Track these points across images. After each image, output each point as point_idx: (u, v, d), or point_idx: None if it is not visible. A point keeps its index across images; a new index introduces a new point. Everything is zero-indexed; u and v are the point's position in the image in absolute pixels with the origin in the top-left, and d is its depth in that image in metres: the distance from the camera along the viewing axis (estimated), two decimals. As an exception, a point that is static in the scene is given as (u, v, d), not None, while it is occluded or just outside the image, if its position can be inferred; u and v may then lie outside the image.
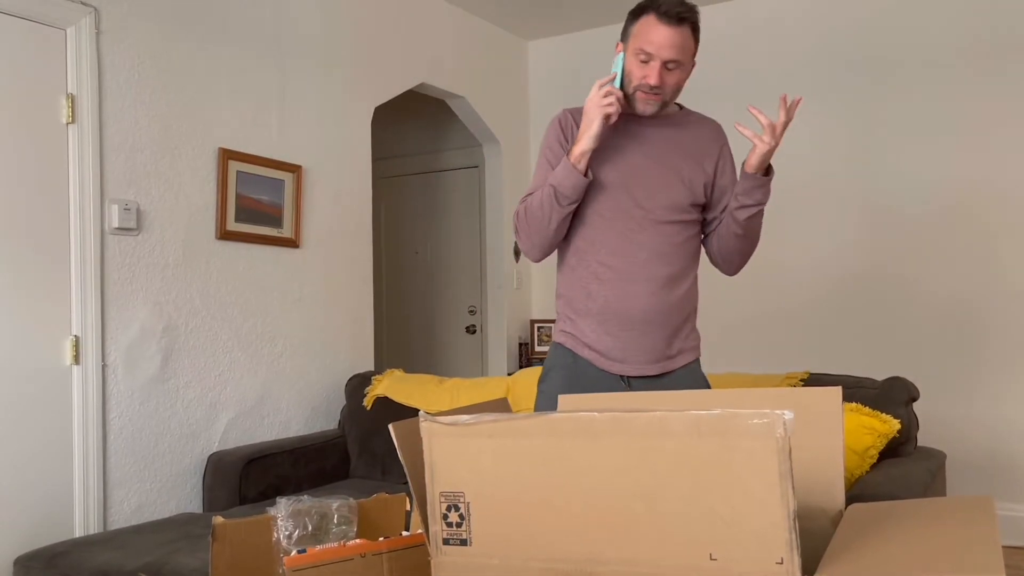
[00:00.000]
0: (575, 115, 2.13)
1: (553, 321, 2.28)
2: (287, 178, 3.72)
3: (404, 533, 1.45)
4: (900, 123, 4.25)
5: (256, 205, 3.59)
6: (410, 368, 4.20)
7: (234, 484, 3.27)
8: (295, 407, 3.78)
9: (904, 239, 4.23)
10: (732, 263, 2.20)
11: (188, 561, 2.46)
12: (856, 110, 4.35)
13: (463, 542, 1.18)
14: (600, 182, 2.08)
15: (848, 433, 2.32)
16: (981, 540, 1.07)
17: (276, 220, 3.69)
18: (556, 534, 1.12)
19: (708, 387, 2.18)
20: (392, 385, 3.77)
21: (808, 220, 4.44)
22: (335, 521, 1.59)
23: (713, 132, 2.19)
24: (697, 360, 2.19)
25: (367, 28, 4.16)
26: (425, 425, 1.19)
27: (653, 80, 2.00)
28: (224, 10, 3.49)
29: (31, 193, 2.86)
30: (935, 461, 2.90)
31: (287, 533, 1.55)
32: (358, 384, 3.85)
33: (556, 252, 2.22)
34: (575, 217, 2.12)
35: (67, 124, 2.96)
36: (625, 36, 2.05)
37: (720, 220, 2.15)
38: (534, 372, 3.35)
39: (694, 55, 2.06)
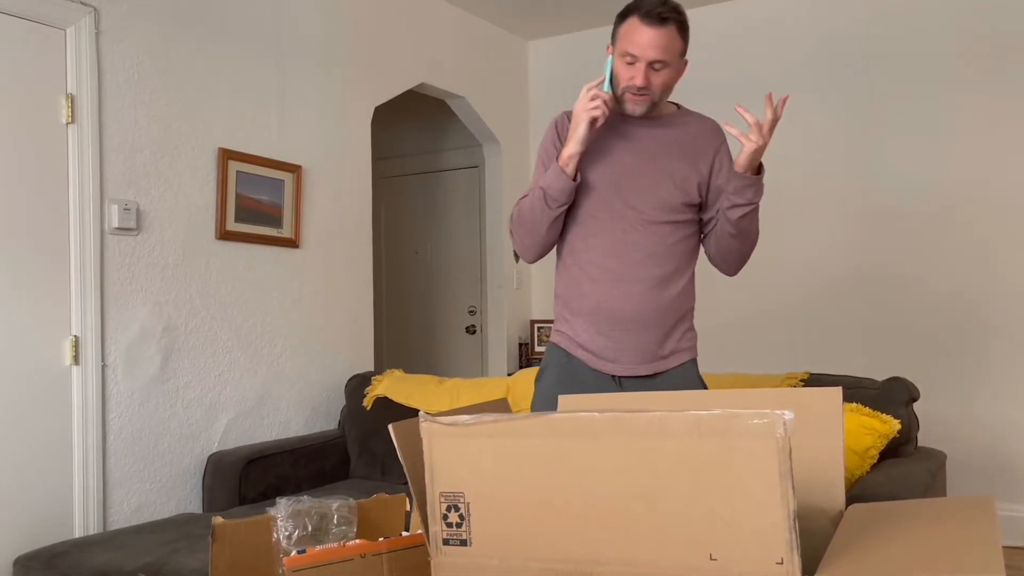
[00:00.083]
0: (571, 117, 2.14)
1: (553, 321, 2.29)
2: (287, 178, 3.72)
3: (404, 533, 1.45)
4: (900, 123, 4.25)
5: (256, 205, 3.59)
6: (410, 368, 4.20)
7: (234, 484, 3.27)
8: (295, 407, 3.78)
9: (904, 239, 4.23)
10: (730, 263, 2.19)
11: (188, 561, 2.46)
12: (856, 110, 4.35)
13: (463, 542, 1.17)
14: (593, 183, 2.11)
15: (848, 433, 2.32)
16: (981, 540, 1.06)
17: (276, 220, 3.69)
18: (556, 534, 1.12)
19: (703, 388, 2.17)
20: (392, 385, 3.77)
21: (808, 220, 4.45)
22: (335, 521, 1.59)
23: (710, 131, 2.18)
24: (692, 361, 2.19)
25: (367, 28, 4.16)
26: (425, 425, 1.19)
27: (639, 81, 2.02)
28: (224, 10, 3.49)
29: (31, 193, 2.86)
30: (935, 461, 2.89)
31: (287, 533, 1.55)
32: (358, 384, 3.84)
33: (555, 253, 2.24)
34: (570, 218, 2.14)
35: (67, 124, 2.96)
36: (613, 39, 2.07)
37: (717, 220, 2.15)
38: (534, 372, 3.34)
39: (682, 54, 2.07)
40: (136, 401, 3.14)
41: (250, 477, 3.31)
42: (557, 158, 2.07)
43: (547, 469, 1.12)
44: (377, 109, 4.24)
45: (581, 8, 4.75)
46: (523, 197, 2.17)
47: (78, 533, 2.94)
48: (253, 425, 3.57)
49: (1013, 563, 3.39)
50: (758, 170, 2.02)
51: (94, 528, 2.98)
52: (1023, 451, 3.99)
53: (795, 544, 0.99)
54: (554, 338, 2.22)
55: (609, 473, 1.09)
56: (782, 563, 1.00)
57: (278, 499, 1.61)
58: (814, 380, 3.09)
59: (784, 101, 1.94)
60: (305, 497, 1.62)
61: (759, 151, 1.95)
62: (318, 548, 1.34)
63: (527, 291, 5.30)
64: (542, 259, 2.28)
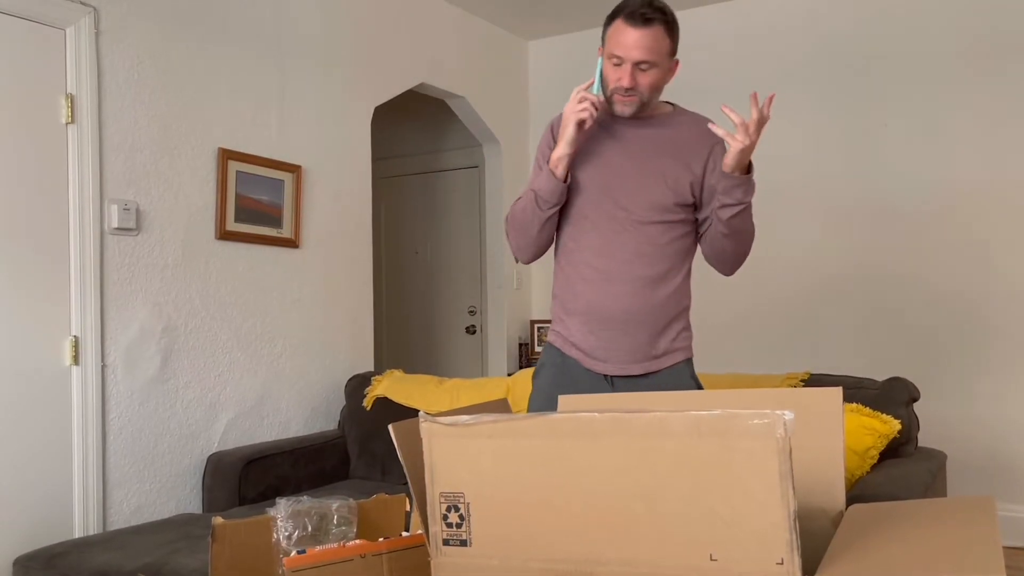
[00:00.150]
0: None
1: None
2: (287, 178, 3.72)
3: (404, 534, 1.45)
4: (900, 123, 4.25)
5: (256, 205, 3.59)
6: (410, 368, 4.20)
7: (234, 485, 3.27)
8: (295, 407, 3.77)
9: (904, 239, 4.23)
10: (726, 263, 2.19)
11: (188, 562, 2.46)
12: (856, 110, 4.35)
13: (463, 543, 1.17)
14: (584, 185, 2.13)
15: (848, 434, 2.32)
16: (982, 540, 1.06)
17: (276, 220, 3.68)
18: (556, 534, 1.12)
19: (696, 388, 2.17)
20: (392, 385, 3.76)
21: (809, 220, 4.44)
22: (335, 522, 1.59)
23: (704, 131, 2.18)
24: (686, 361, 2.19)
25: (367, 28, 4.16)
26: (425, 426, 1.19)
27: (626, 82, 2.03)
28: (224, 10, 3.49)
29: (30, 193, 2.86)
30: (936, 461, 2.89)
31: (287, 534, 1.55)
32: (358, 384, 3.84)
33: (552, 253, 2.26)
34: (563, 218, 2.17)
35: (66, 124, 2.96)
36: (602, 41, 2.09)
37: (711, 220, 2.15)
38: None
39: (672, 54, 2.07)
40: (136, 401, 3.14)
41: (250, 477, 3.30)
42: (548, 160, 2.10)
43: (547, 469, 1.12)
44: (377, 109, 4.24)
45: (581, 8, 4.75)
46: (519, 199, 2.21)
47: (78, 533, 2.94)
48: (253, 425, 3.57)
49: (1013, 563, 3.38)
50: (748, 170, 2.02)
51: (94, 528, 2.98)
52: (1023, 451, 3.99)
53: (795, 544, 0.99)
54: (550, 337, 2.25)
55: (609, 473, 1.09)
56: (782, 563, 1.00)
57: (278, 499, 1.61)
58: (814, 380, 3.09)
59: (770, 100, 1.94)
60: (305, 497, 1.62)
61: (746, 151, 1.95)
62: (318, 548, 1.34)
63: (527, 291, 5.30)
64: (542, 259, 2.29)
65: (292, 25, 3.78)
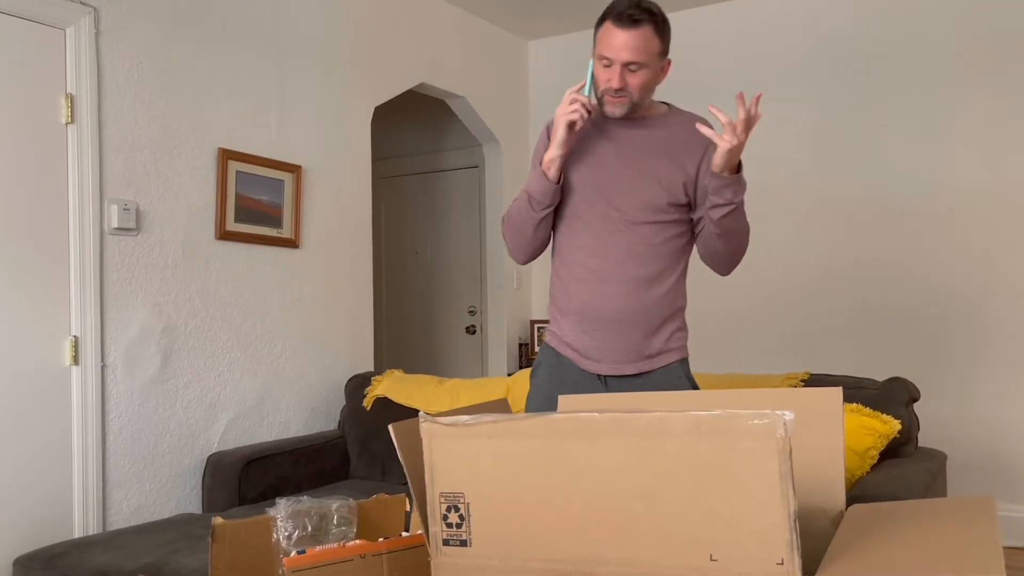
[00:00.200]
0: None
1: (550, 321, 2.31)
2: (287, 178, 3.72)
3: (404, 534, 1.45)
4: (900, 123, 4.25)
5: (256, 205, 3.59)
6: (410, 368, 4.20)
7: (233, 485, 3.27)
8: (295, 407, 3.77)
9: (905, 239, 4.23)
10: (720, 263, 2.19)
11: (188, 562, 2.46)
12: (856, 110, 4.35)
13: (463, 543, 1.17)
14: (578, 186, 2.14)
15: (849, 434, 2.32)
16: (982, 541, 1.06)
17: (276, 220, 3.68)
18: (556, 534, 1.12)
19: (691, 388, 2.18)
20: (392, 386, 3.76)
21: (809, 220, 4.44)
22: (335, 522, 1.59)
23: (699, 131, 2.19)
24: (681, 361, 2.19)
25: (367, 28, 4.16)
26: (425, 426, 1.19)
27: (615, 83, 2.04)
28: (224, 10, 3.49)
29: (30, 193, 2.86)
30: (936, 462, 2.89)
31: (287, 534, 1.55)
32: (358, 384, 3.84)
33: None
34: (558, 219, 2.19)
35: (66, 124, 2.96)
36: (593, 43, 2.10)
37: (704, 220, 2.16)
38: (534, 372, 3.35)
39: (662, 54, 2.08)
40: (136, 401, 3.14)
41: (250, 477, 3.30)
42: (540, 161, 2.12)
43: (547, 469, 1.12)
44: (377, 109, 4.24)
45: (581, 8, 4.75)
46: (515, 200, 2.23)
47: (78, 533, 2.94)
48: (253, 425, 3.57)
49: (1013, 563, 3.38)
50: (738, 169, 2.02)
51: (94, 528, 2.98)
52: (1023, 451, 3.98)
53: (795, 544, 0.99)
54: (546, 337, 2.27)
55: (609, 473, 1.09)
56: (782, 564, 0.99)
57: (278, 499, 1.61)
58: (814, 380, 3.09)
59: (757, 99, 1.94)
60: (305, 497, 1.62)
61: (734, 150, 1.95)
62: (318, 548, 1.34)
63: (527, 291, 5.30)
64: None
65: (292, 25, 3.78)
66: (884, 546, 1.09)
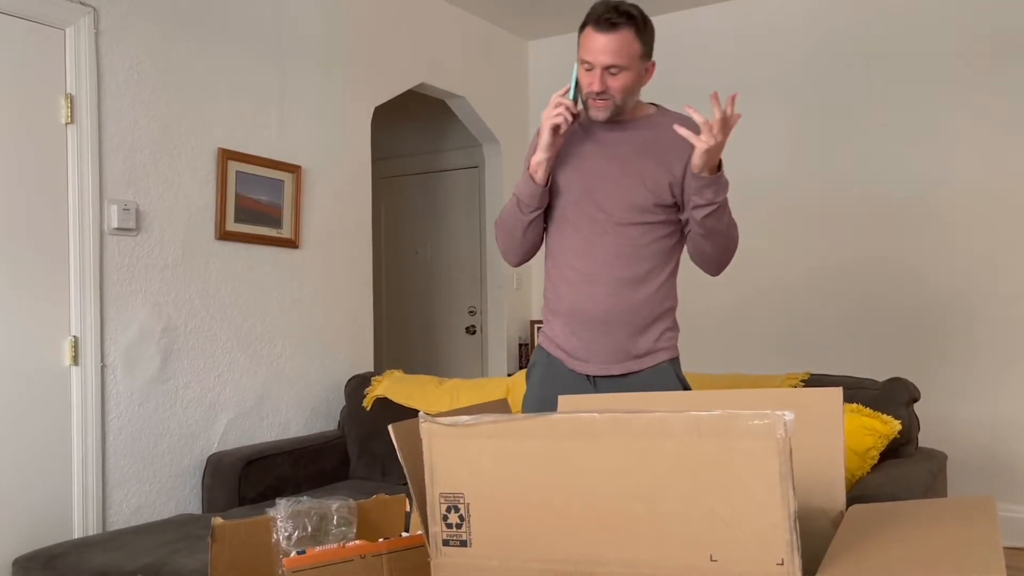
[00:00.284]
0: None
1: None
2: (286, 178, 3.72)
3: (404, 534, 1.45)
4: (900, 123, 4.25)
5: (255, 205, 3.59)
6: (410, 369, 4.20)
7: (233, 485, 3.27)
8: (295, 408, 3.77)
9: (905, 239, 4.23)
10: (708, 263, 2.20)
11: (187, 562, 2.46)
12: (856, 110, 4.35)
13: (463, 543, 1.17)
14: (566, 188, 2.18)
15: (849, 434, 2.32)
16: (982, 541, 1.06)
17: (275, 220, 3.68)
18: (556, 535, 1.12)
19: (682, 388, 2.19)
20: (392, 386, 3.76)
21: (809, 220, 4.44)
22: (335, 522, 1.59)
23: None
24: (670, 361, 2.20)
25: (367, 28, 4.16)
26: (425, 426, 1.19)
27: (596, 87, 2.07)
28: (224, 10, 3.49)
29: (30, 193, 2.86)
30: (936, 462, 2.89)
31: (287, 534, 1.55)
32: (358, 385, 3.84)
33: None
34: (549, 221, 2.23)
35: (66, 124, 2.95)
36: (577, 48, 2.12)
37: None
38: (534, 372, 3.34)
39: (643, 57, 2.09)
40: (135, 401, 3.14)
41: (250, 478, 3.30)
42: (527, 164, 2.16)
43: (547, 470, 1.12)
44: (377, 109, 4.24)
45: (581, 8, 4.69)
46: (507, 203, 2.26)
47: (77, 534, 2.94)
48: (253, 426, 3.57)
49: (1014, 564, 3.38)
50: (718, 169, 2.03)
51: (93, 529, 2.98)
52: (1023, 451, 3.98)
53: (796, 545, 0.99)
54: (539, 338, 2.31)
55: (609, 474, 1.09)
56: (782, 564, 0.99)
57: (278, 500, 1.61)
58: (814, 380, 3.09)
59: (732, 99, 1.95)
60: (305, 498, 1.62)
61: (712, 150, 1.96)
62: (318, 549, 1.34)
63: (527, 291, 5.30)
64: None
65: (292, 25, 3.78)
66: (884, 546, 1.08)
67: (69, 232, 2.95)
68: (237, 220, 3.50)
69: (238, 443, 3.48)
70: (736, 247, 2.19)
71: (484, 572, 1.16)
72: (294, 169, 3.74)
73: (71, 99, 2.95)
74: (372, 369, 4.15)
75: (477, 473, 1.16)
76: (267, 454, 3.41)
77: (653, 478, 1.06)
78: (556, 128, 2.08)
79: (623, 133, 2.16)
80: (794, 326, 4.47)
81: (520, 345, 5.18)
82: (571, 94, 2.09)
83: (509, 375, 4.30)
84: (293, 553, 1.34)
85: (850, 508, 1.30)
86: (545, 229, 2.25)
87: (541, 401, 2.20)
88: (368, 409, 3.73)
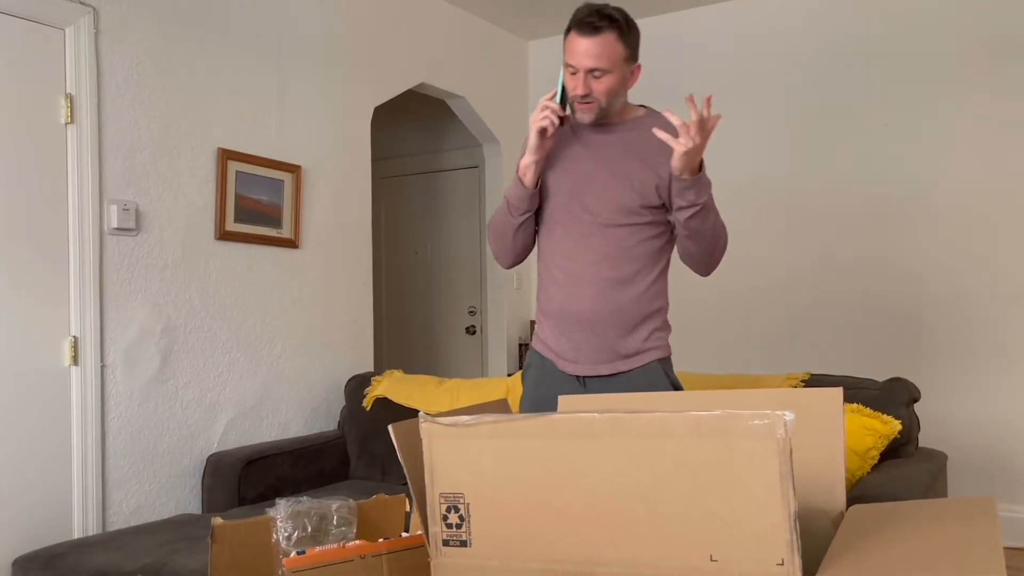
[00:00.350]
0: None
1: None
2: (286, 178, 3.72)
3: (404, 534, 1.45)
4: (900, 123, 4.25)
5: (255, 205, 3.59)
6: (410, 369, 4.20)
7: (233, 485, 3.26)
8: (294, 408, 3.77)
9: (905, 239, 4.23)
10: (696, 264, 2.21)
11: (187, 562, 2.46)
12: (856, 110, 4.35)
13: (463, 543, 1.17)
14: (555, 190, 2.20)
15: (849, 434, 2.32)
16: (982, 541, 1.06)
17: (275, 220, 3.68)
18: (556, 535, 1.12)
19: (672, 387, 2.20)
20: (392, 386, 3.76)
21: (808, 220, 4.44)
22: (334, 522, 1.59)
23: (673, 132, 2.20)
24: (661, 360, 2.20)
25: (367, 28, 4.16)
26: (425, 426, 1.19)
27: (580, 90, 2.09)
28: (224, 10, 3.48)
29: (30, 194, 2.86)
30: (936, 462, 2.89)
31: (286, 534, 1.55)
32: (358, 385, 3.84)
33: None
34: (540, 225, 2.25)
35: (66, 124, 2.95)
36: (563, 53, 2.14)
37: None
38: (534, 373, 3.34)
39: (627, 59, 2.11)
40: (135, 402, 3.14)
41: (249, 478, 3.30)
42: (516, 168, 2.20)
43: (547, 470, 1.12)
44: (377, 109, 4.24)
45: (581, 8, 4.74)
46: (499, 206, 2.30)
47: (77, 534, 2.94)
48: (252, 426, 3.57)
49: (1014, 564, 3.38)
50: (699, 170, 2.03)
51: (93, 529, 2.98)
52: (1023, 451, 3.98)
53: (796, 545, 0.99)
54: (532, 340, 2.33)
55: (609, 474, 1.08)
56: (783, 564, 0.99)
57: (278, 500, 1.61)
58: (815, 381, 3.08)
59: (708, 101, 1.95)
60: (305, 498, 1.62)
61: (691, 153, 1.96)
62: (318, 549, 1.34)
63: (527, 291, 5.29)
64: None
65: (292, 25, 3.78)
66: (885, 547, 1.08)
67: (69, 232, 2.95)
68: (237, 220, 3.50)
69: (238, 443, 3.48)
70: (724, 247, 2.19)
71: (484, 572, 1.16)
72: (294, 169, 3.74)
73: (71, 99, 2.95)
74: (372, 369, 4.15)
75: (477, 473, 1.16)
76: (267, 454, 3.41)
77: (653, 478, 1.06)
78: (543, 131, 2.10)
79: (610, 135, 2.18)
80: (794, 326, 4.47)
81: (520, 345, 5.18)
82: (558, 98, 2.12)
83: (509, 375, 4.30)
84: (293, 553, 1.34)
85: (850, 508, 1.30)
86: (537, 231, 2.27)
87: (536, 403, 2.22)
88: (368, 409, 3.73)
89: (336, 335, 3.99)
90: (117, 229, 3.07)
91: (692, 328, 4.49)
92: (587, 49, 2.05)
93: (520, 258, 2.32)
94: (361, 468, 3.70)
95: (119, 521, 3.07)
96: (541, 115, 2.09)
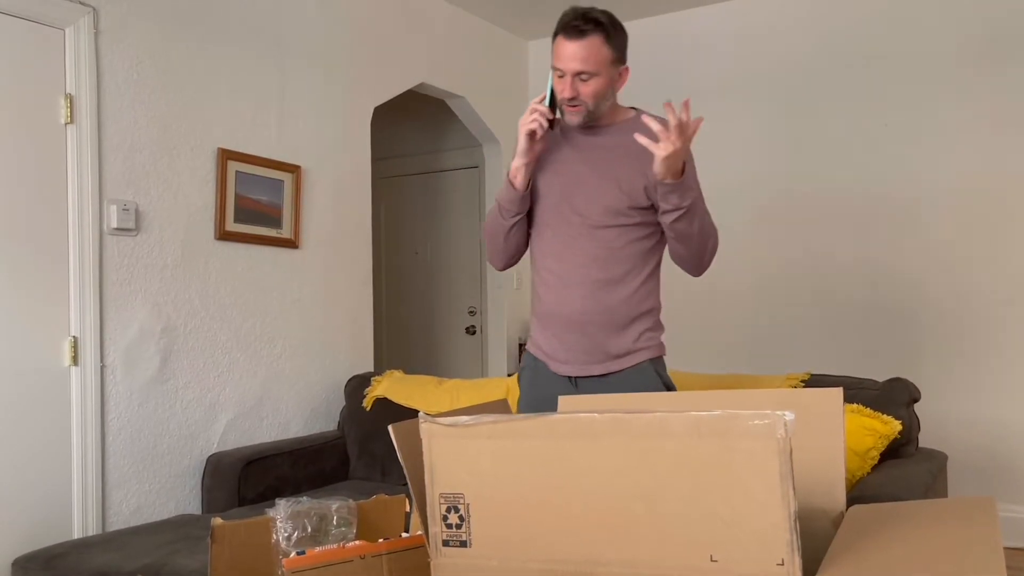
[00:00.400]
0: None
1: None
2: (286, 178, 3.72)
3: (404, 535, 1.45)
4: (900, 123, 4.25)
5: (255, 205, 3.58)
6: (410, 369, 4.20)
7: (233, 485, 3.26)
8: (294, 408, 3.77)
9: (905, 239, 4.23)
10: (686, 265, 2.22)
11: (187, 563, 2.46)
12: (856, 110, 4.35)
13: (463, 543, 1.17)
14: (545, 193, 2.22)
15: (849, 434, 2.32)
16: (982, 541, 1.06)
17: (275, 220, 3.68)
18: (556, 535, 1.12)
19: (664, 387, 2.20)
20: (392, 386, 3.76)
21: (808, 221, 4.44)
22: (334, 523, 1.59)
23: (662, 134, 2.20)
24: (652, 360, 2.21)
25: (367, 28, 4.16)
26: (425, 426, 1.19)
27: (567, 93, 2.10)
28: (224, 10, 3.48)
29: (30, 194, 2.86)
30: (936, 462, 2.89)
31: (286, 534, 1.55)
32: (357, 385, 3.84)
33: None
34: (532, 227, 2.27)
35: (66, 124, 2.95)
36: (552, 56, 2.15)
37: None
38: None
39: (614, 62, 2.11)
40: (135, 402, 3.14)
41: (249, 478, 3.30)
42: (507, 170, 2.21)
43: (547, 470, 1.12)
44: (377, 109, 4.24)
45: (581, 8, 4.74)
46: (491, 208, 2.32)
47: (77, 534, 2.94)
48: (252, 426, 3.57)
49: (1014, 564, 3.38)
50: (682, 174, 2.03)
51: (93, 529, 2.98)
52: (1023, 451, 3.98)
53: (796, 545, 0.99)
54: (527, 342, 2.35)
55: (609, 474, 1.08)
56: (783, 564, 0.99)
57: (277, 500, 1.61)
58: (815, 381, 3.08)
59: (685, 104, 1.94)
60: (304, 498, 1.62)
61: (671, 157, 1.96)
62: (317, 549, 1.34)
63: (527, 291, 5.28)
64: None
65: (292, 25, 3.78)
66: (885, 547, 1.08)
67: (69, 232, 2.95)
68: (237, 220, 3.50)
69: (238, 443, 3.48)
70: (714, 249, 2.20)
71: (484, 572, 1.16)
72: (294, 169, 3.74)
73: (71, 99, 2.95)
74: (372, 369, 4.15)
75: (477, 473, 1.16)
76: (267, 454, 3.41)
77: (653, 478, 1.06)
78: (532, 134, 2.12)
79: (599, 137, 2.20)
80: (794, 326, 4.47)
81: (520, 345, 5.18)
82: (547, 100, 2.13)
83: (509, 375, 4.30)
84: (293, 553, 1.34)
85: (850, 508, 1.30)
86: (529, 234, 2.29)
87: (531, 404, 2.24)
88: (368, 409, 3.73)
89: (336, 335, 3.98)
90: (117, 229, 3.07)
91: (692, 328, 4.50)
92: (573, 52, 2.06)
93: (513, 260, 2.34)
94: (361, 468, 3.70)
95: (119, 521, 3.07)
96: (530, 118, 2.11)
